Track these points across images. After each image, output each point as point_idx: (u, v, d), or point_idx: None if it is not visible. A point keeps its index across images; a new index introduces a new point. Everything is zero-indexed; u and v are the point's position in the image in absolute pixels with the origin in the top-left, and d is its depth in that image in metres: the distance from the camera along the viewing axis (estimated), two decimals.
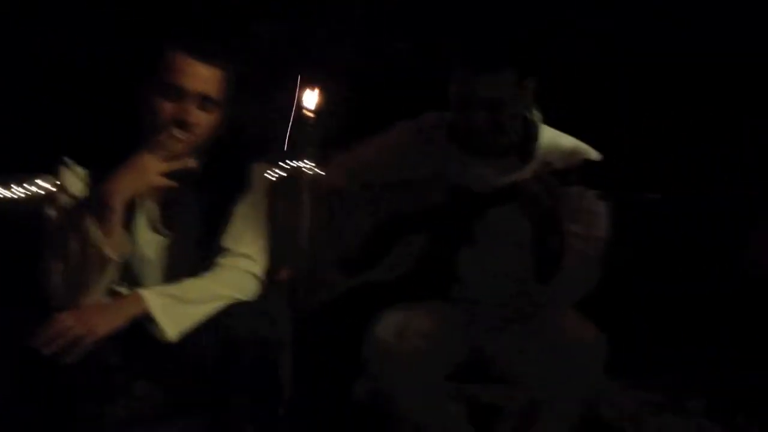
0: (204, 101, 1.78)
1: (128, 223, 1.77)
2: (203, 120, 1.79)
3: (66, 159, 1.84)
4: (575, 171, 1.64)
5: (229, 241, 1.87)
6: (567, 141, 1.93)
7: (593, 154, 1.87)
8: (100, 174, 1.79)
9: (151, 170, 1.71)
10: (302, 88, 4.32)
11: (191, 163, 1.77)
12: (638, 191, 1.59)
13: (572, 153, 1.87)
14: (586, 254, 1.81)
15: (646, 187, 1.58)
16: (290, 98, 4.42)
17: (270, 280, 1.99)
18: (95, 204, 1.73)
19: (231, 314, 1.75)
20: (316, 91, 4.17)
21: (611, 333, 1.77)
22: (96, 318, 1.66)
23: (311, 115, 4.15)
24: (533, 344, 1.75)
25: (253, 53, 4.34)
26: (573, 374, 1.68)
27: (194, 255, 1.86)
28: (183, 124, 1.75)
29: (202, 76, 1.77)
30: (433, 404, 1.83)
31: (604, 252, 1.84)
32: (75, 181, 1.83)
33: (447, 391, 1.86)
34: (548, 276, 1.77)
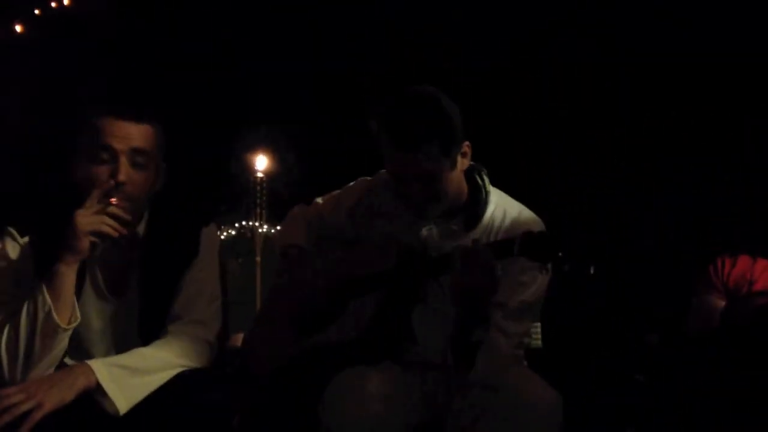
0: (135, 158, 1.79)
1: (76, 290, 1.74)
2: (136, 177, 1.80)
3: (7, 227, 1.82)
4: (517, 241, 1.64)
5: (180, 307, 1.84)
6: (514, 210, 1.94)
7: (538, 224, 1.89)
8: (39, 242, 1.77)
9: (86, 230, 1.70)
10: (252, 148, 4.35)
11: (127, 217, 1.76)
12: (581, 262, 1.60)
13: (516, 222, 1.88)
14: (506, 351, 1.80)
15: (588, 258, 1.59)
16: (242, 158, 4.44)
17: (222, 346, 1.98)
18: (44, 270, 1.70)
19: (183, 383, 1.71)
20: (266, 154, 4.20)
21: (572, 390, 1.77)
22: (44, 391, 1.61)
23: (262, 175, 4.17)
24: (490, 406, 1.73)
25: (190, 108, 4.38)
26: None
27: (144, 322, 1.83)
28: (116, 183, 1.76)
29: (131, 135, 1.79)
30: None
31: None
32: (16, 248, 1.80)
33: None
34: (467, 365, 1.76)
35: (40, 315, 1.67)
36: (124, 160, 1.78)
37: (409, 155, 1.78)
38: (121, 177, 1.77)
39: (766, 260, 1.96)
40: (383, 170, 2.00)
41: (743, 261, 1.95)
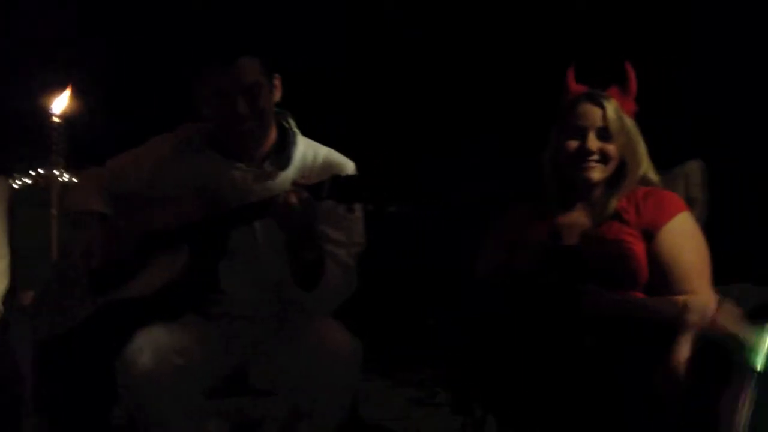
0: None
1: None
2: None
3: None
4: (327, 185, 1.68)
5: None
6: (323, 150, 1.97)
7: (349, 166, 1.92)
8: None
9: None
10: (50, 89, 3.98)
11: None
12: (390, 203, 1.66)
13: (327, 163, 1.91)
14: (345, 261, 1.86)
15: (398, 199, 1.65)
16: (35, 100, 4.05)
17: (10, 305, 1.86)
18: None
19: None
20: (66, 93, 3.86)
21: (373, 336, 1.84)
22: None
23: (59, 120, 3.85)
24: (292, 353, 1.77)
25: None
26: (331, 381, 1.71)
27: None
28: None
29: None
30: (194, 425, 1.77)
31: (360, 258, 1.90)
32: None
33: (208, 409, 1.82)
34: (307, 284, 1.79)
35: None
36: None
37: (238, 62, 1.82)
38: None
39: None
40: (186, 124, 1.98)
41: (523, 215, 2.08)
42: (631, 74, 1.93)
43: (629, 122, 1.91)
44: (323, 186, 1.68)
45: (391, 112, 3.70)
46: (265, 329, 1.90)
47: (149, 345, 1.73)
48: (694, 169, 2.07)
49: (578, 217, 1.93)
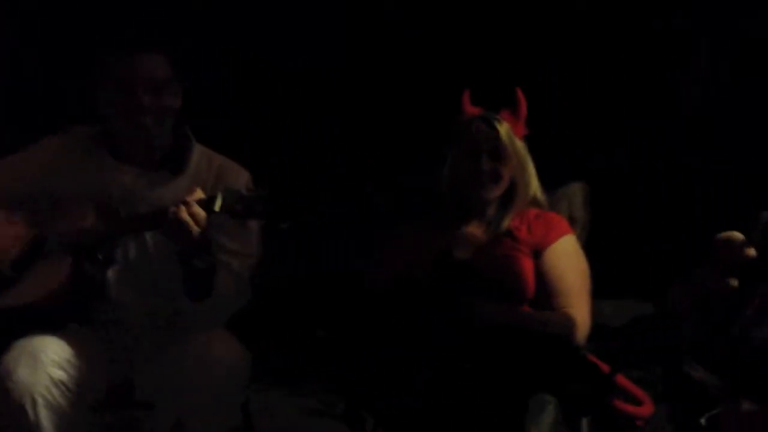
0: None
1: None
2: None
3: None
4: (219, 199, 1.67)
5: None
6: (218, 159, 1.95)
7: (243, 175, 1.92)
8: None
9: None
10: None
11: None
12: (282, 219, 1.67)
13: (222, 172, 1.90)
14: (238, 271, 1.85)
15: (290, 216, 1.66)
16: None
17: None
18: None
19: None
20: None
21: (269, 346, 1.84)
22: None
23: None
24: (180, 365, 1.74)
25: None
26: (218, 392, 1.70)
27: None
28: None
29: None
30: None
31: (255, 269, 1.90)
32: None
33: (92, 423, 1.76)
34: (198, 294, 1.78)
35: None
36: None
37: (146, 55, 1.80)
38: None
39: None
40: (76, 127, 1.93)
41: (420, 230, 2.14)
42: (521, 99, 2.04)
43: (520, 144, 2.02)
44: (215, 200, 1.67)
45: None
46: (152, 340, 1.86)
47: (27, 356, 1.67)
48: (576, 190, 2.19)
49: (473, 233, 2.02)
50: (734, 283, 0.56)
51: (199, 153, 1.93)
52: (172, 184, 1.86)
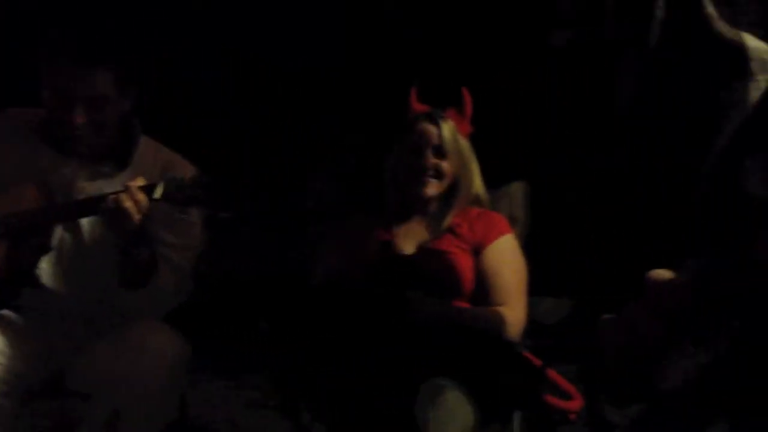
0: None
1: None
2: None
3: None
4: (160, 187, 1.66)
5: None
6: (165, 153, 1.92)
7: (189, 169, 1.89)
8: None
9: None
10: None
11: None
12: (224, 209, 1.66)
13: (167, 166, 1.87)
14: (178, 264, 1.84)
15: (232, 206, 1.66)
16: None
17: None
18: None
19: None
20: None
21: (216, 338, 1.82)
22: None
23: None
24: (115, 355, 1.71)
25: None
26: (153, 382, 1.68)
27: None
28: None
29: None
30: (6, 429, 1.68)
31: (196, 261, 1.88)
32: None
33: (23, 412, 1.73)
34: (136, 286, 1.76)
35: None
36: None
37: (86, 71, 1.71)
38: None
39: None
40: (14, 109, 1.88)
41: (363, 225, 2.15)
42: (467, 98, 2.07)
43: (464, 142, 2.05)
44: (155, 187, 1.66)
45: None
46: (87, 329, 1.84)
47: None
48: (517, 189, 2.22)
49: (415, 229, 2.04)
50: (658, 330, 0.56)
51: (144, 147, 1.90)
52: (115, 177, 1.82)
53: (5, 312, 1.78)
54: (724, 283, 0.54)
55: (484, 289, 1.94)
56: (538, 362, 1.87)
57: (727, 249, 1.18)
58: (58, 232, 1.79)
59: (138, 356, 1.68)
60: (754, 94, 2.51)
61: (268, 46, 3.65)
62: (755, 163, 1.32)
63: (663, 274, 0.53)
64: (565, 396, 1.87)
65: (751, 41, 2.69)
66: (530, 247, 2.10)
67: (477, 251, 1.97)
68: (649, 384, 0.51)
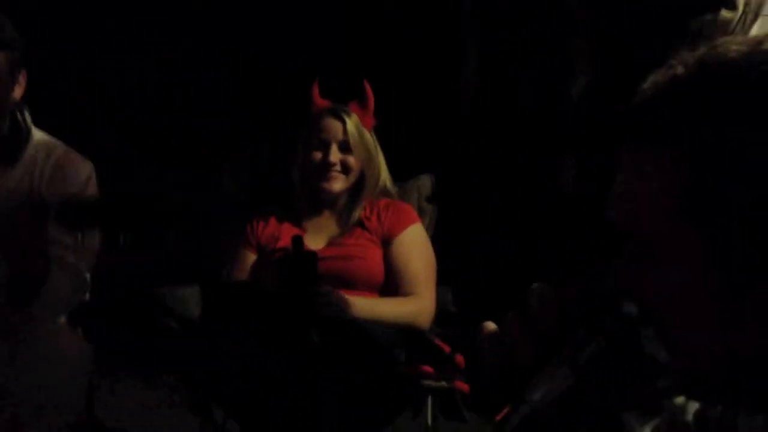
0: None
1: None
2: None
3: None
4: (54, 211, 1.62)
5: None
6: (59, 150, 1.84)
7: (86, 168, 1.82)
8: None
9: None
10: None
11: None
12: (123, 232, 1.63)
13: (60, 164, 1.80)
14: (72, 264, 1.76)
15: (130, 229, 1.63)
16: None
17: None
18: None
19: None
20: None
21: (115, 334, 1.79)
22: None
23: None
24: (17, 358, 1.67)
25: None
26: (57, 384, 1.65)
27: None
28: None
29: None
30: None
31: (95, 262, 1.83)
32: None
33: None
34: (24, 299, 1.68)
35: None
36: None
37: None
38: None
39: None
40: None
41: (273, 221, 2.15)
42: (369, 91, 2.09)
43: (368, 136, 2.07)
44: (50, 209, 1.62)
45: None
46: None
47: None
48: (425, 182, 2.27)
49: (325, 224, 2.06)
50: (530, 348, 0.58)
51: (37, 142, 1.82)
52: (4, 174, 1.75)
53: None
54: (581, 299, 0.56)
55: (393, 279, 1.97)
56: (447, 348, 1.92)
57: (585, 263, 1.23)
58: None
59: (41, 358, 1.65)
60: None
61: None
62: (568, 161, 1.41)
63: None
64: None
65: None
66: (438, 239, 2.15)
67: (386, 242, 2.01)
68: (521, 395, 0.54)
